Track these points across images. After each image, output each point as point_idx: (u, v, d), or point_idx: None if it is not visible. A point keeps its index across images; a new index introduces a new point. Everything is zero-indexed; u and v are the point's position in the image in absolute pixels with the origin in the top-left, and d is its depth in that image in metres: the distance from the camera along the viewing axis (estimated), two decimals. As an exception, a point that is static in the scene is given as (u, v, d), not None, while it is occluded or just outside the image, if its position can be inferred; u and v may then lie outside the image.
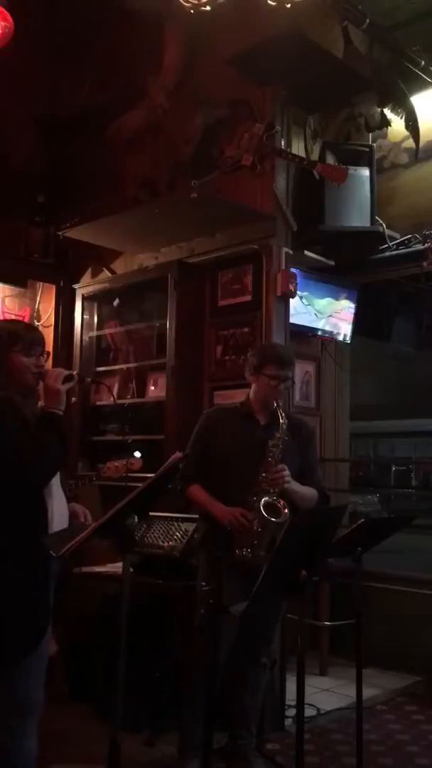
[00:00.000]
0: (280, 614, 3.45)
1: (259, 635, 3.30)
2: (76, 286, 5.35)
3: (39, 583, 2.35)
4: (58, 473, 2.67)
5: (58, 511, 2.56)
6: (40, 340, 2.61)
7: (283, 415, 3.27)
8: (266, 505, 3.11)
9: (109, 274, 5.29)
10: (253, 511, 3.12)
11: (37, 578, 2.34)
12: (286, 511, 3.14)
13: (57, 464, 2.43)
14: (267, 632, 3.33)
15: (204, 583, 3.13)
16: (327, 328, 5.15)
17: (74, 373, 2.55)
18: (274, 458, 3.19)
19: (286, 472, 3.19)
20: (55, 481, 2.56)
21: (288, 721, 3.88)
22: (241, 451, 3.26)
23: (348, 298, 5.20)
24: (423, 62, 4.42)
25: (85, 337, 5.26)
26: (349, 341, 5.36)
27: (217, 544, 3.16)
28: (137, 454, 4.08)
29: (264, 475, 3.17)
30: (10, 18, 3.91)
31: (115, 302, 5.16)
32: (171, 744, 3.37)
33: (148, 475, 3.15)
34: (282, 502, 3.15)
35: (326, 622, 4.84)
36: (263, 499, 3.12)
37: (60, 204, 5.35)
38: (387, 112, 4.65)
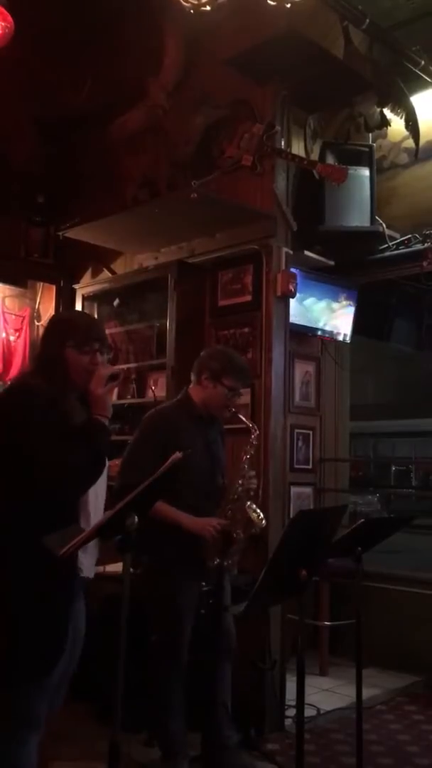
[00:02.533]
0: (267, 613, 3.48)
1: (227, 632, 3.30)
2: (76, 286, 5.34)
3: (60, 600, 2.23)
4: (103, 483, 2.57)
5: (95, 510, 2.50)
6: (98, 335, 2.35)
7: (250, 422, 3.32)
8: (249, 510, 3.14)
9: (109, 274, 5.29)
10: (233, 519, 3.12)
11: (59, 595, 2.23)
12: (262, 517, 3.18)
13: (88, 481, 2.25)
14: (231, 629, 3.34)
15: (204, 584, 3.14)
16: (327, 328, 5.16)
17: (118, 370, 2.35)
18: (248, 464, 3.22)
19: (255, 481, 3.24)
20: (93, 492, 2.44)
21: (288, 721, 3.89)
22: (197, 455, 3.19)
23: (348, 298, 5.21)
24: (423, 62, 4.42)
25: (85, 337, 5.25)
26: (349, 341, 5.37)
27: (187, 555, 3.11)
28: None
29: (240, 482, 3.17)
30: (10, 18, 3.90)
31: (115, 302, 5.16)
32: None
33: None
34: (256, 508, 3.18)
35: (326, 622, 4.85)
36: (248, 504, 3.14)
37: (60, 204, 5.35)
38: (387, 112, 4.65)
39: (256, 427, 3.31)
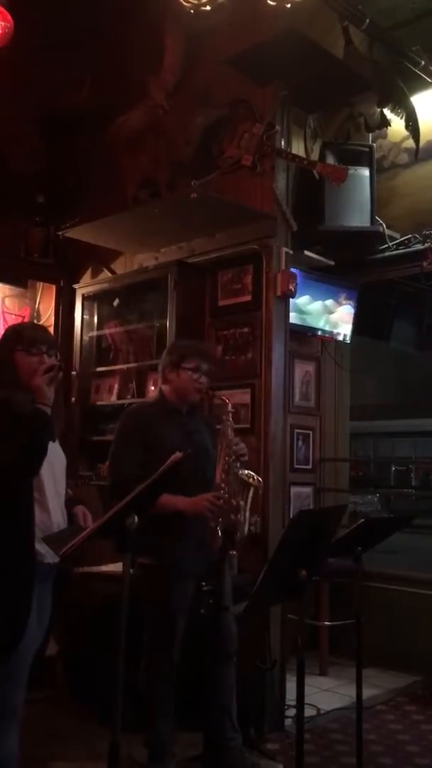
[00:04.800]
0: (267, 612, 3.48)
1: (229, 634, 3.30)
2: (76, 286, 5.34)
3: (13, 588, 2.32)
4: (62, 474, 2.65)
5: (54, 512, 2.55)
6: (44, 339, 2.60)
7: (223, 396, 3.35)
8: (244, 476, 3.19)
9: (109, 274, 5.29)
10: (228, 487, 3.13)
11: (12, 583, 2.31)
12: (257, 477, 3.26)
13: (32, 467, 2.38)
14: (232, 630, 3.33)
15: (204, 584, 3.14)
16: (327, 328, 5.16)
17: (55, 362, 2.54)
18: (232, 433, 3.24)
19: (243, 444, 3.27)
20: (50, 482, 2.55)
21: (288, 721, 3.89)
22: (177, 444, 3.13)
23: (348, 298, 5.21)
24: (423, 62, 4.41)
25: (85, 337, 5.26)
26: (349, 341, 5.37)
27: (177, 549, 3.14)
28: None
29: (230, 448, 3.19)
30: (9, 18, 3.91)
31: (115, 302, 5.16)
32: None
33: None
34: (251, 473, 3.24)
35: (326, 622, 4.84)
36: (239, 472, 3.18)
37: (60, 204, 5.35)
38: (387, 112, 4.65)
39: (228, 399, 3.32)
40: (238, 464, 3.21)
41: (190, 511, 3.09)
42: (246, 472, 3.23)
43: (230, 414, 3.27)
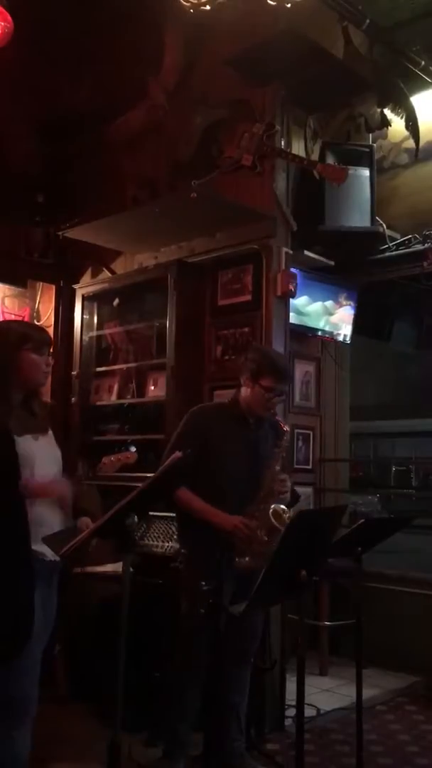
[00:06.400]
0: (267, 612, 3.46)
1: (250, 634, 3.30)
2: (76, 286, 5.34)
3: (19, 587, 2.33)
4: (57, 468, 2.66)
5: (52, 506, 2.54)
6: (49, 341, 2.64)
7: (284, 424, 3.30)
8: (274, 513, 3.09)
9: (109, 274, 5.29)
10: (259, 519, 3.10)
11: (17, 583, 2.32)
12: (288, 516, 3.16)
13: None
14: (257, 631, 3.34)
15: (204, 583, 3.13)
16: (327, 328, 5.16)
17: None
18: (280, 465, 3.20)
19: (290, 482, 3.22)
20: (41, 453, 2.54)
21: (288, 721, 3.89)
22: (237, 453, 3.23)
23: (348, 298, 5.21)
24: (423, 62, 4.42)
25: (85, 337, 5.25)
26: (349, 341, 5.37)
27: (207, 546, 3.13)
28: (132, 448, 4.08)
29: (270, 484, 3.16)
30: (9, 18, 3.90)
31: (115, 302, 5.16)
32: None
33: (148, 475, 3.16)
34: (286, 510, 3.15)
35: (326, 622, 4.85)
36: (272, 507, 3.09)
37: (60, 204, 5.35)
38: (387, 112, 4.65)
39: (288, 428, 3.31)
40: (275, 499, 3.14)
41: (219, 526, 3.09)
42: (282, 510, 3.12)
43: (284, 447, 3.23)
